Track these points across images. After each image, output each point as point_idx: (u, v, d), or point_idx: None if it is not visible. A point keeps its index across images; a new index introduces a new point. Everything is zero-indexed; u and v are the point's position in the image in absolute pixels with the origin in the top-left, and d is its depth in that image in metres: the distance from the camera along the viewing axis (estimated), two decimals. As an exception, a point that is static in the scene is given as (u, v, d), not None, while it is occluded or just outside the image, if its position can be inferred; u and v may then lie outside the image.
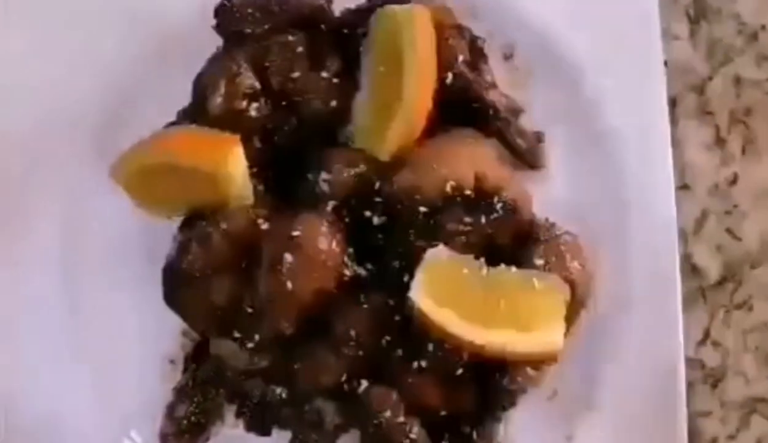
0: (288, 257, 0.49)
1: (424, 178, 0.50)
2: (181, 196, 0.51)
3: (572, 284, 0.51)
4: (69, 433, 0.55)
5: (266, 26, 0.53)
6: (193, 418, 0.52)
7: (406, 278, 0.50)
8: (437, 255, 0.50)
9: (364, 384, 0.50)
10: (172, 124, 0.54)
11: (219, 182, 0.50)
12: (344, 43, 0.55)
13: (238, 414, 0.53)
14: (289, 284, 0.49)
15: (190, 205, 0.51)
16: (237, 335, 0.50)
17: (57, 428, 0.55)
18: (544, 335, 0.50)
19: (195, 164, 0.50)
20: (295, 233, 0.49)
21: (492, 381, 0.50)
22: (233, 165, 0.50)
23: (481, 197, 0.51)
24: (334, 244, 0.50)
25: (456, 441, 0.51)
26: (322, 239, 0.49)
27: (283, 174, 0.54)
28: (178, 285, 0.51)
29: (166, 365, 0.56)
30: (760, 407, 0.57)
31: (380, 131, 0.52)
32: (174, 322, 0.53)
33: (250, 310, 0.49)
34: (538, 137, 0.57)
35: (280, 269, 0.49)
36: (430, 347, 0.49)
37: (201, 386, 0.52)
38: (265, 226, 0.51)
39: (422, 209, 0.50)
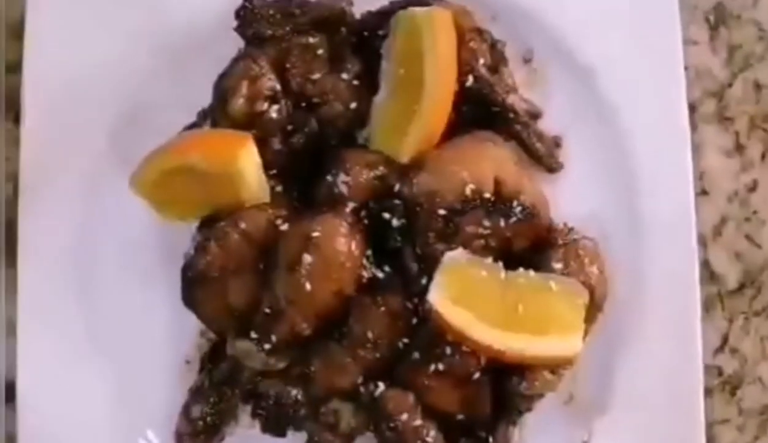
0: (307, 257, 0.49)
1: (444, 181, 0.50)
2: (199, 198, 0.52)
3: (590, 289, 0.51)
4: (85, 433, 0.55)
5: (287, 28, 0.54)
6: (208, 419, 0.52)
7: (424, 281, 0.50)
8: (456, 258, 0.50)
9: (381, 386, 0.50)
10: (192, 125, 0.54)
11: (233, 180, 0.50)
12: (364, 45, 0.55)
13: (254, 415, 0.53)
14: (308, 285, 0.49)
15: (209, 207, 0.52)
16: (254, 335, 0.50)
17: (73, 427, 0.55)
18: (562, 339, 0.50)
19: (209, 165, 0.50)
20: (315, 234, 0.49)
21: (509, 384, 0.50)
22: (245, 162, 0.50)
23: (501, 201, 0.51)
24: (353, 245, 0.50)
25: (472, 445, 0.51)
26: (342, 240, 0.49)
27: (303, 176, 0.54)
28: (196, 286, 0.51)
29: (182, 365, 0.56)
30: (778, 414, 0.57)
31: (400, 134, 0.52)
32: (191, 322, 0.54)
33: (267, 311, 0.49)
34: (556, 141, 0.57)
35: (299, 270, 0.49)
36: (448, 350, 0.49)
37: (217, 386, 0.52)
38: (284, 227, 0.51)
39: (441, 211, 0.50)
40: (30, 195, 0.57)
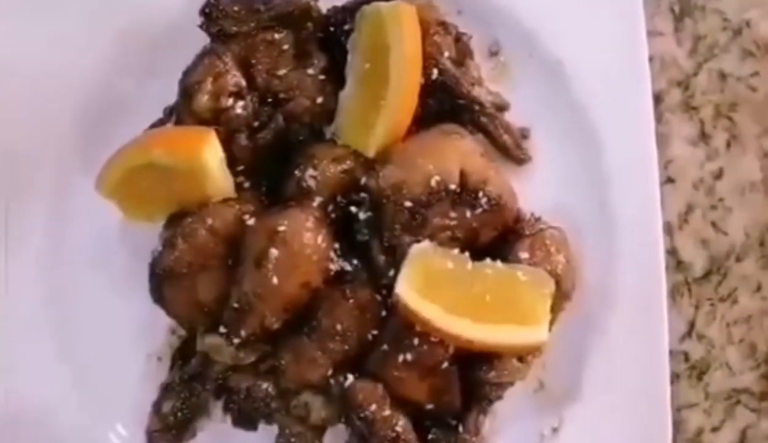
0: (273, 251, 0.49)
1: (410, 173, 0.51)
2: (165, 195, 0.52)
3: (557, 278, 0.52)
4: (55, 428, 0.55)
5: (252, 24, 0.54)
6: (179, 414, 0.52)
7: (392, 273, 0.50)
8: (422, 250, 0.50)
9: (350, 378, 0.51)
10: (158, 122, 0.54)
11: (197, 175, 0.50)
12: (330, 40, 0.55)
13: (226, 409, 0.53)
14: (275, 279, 0.49)
15: (174, 204, 0.52)
16: (223, 330, 0.50)
17: (43, 423, 0.55)
18: (530, 327, 0.50)
19: (173, 160, 0.50)
20: (281, 228, 0.49)
21: (477, 373, 0.51)
22: (208, 157, 0.50)
23: (466, 192, 0.51)
24: (320, 239, 0.50)
25: (442, 434, 0.52)
26: (308, 233, 0.50)
27: (270, 171, 0.54)
28: (165, 282, 0.51)
29: (154, 362, 0.56)
30: (744, 398, 0.58)
31: (366, 128, 0.53)
32: (162, 319, 0.54)
33: (236, 305, 0.50)
34: (523, 133, 0.58)
35: (266, 264, 0.49)
36: (416, 341, 0.50)
37: (187, 382, 0.53)
38: (251, 222, 0.51)
39: (407, 204, 0.50)
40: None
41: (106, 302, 0.56)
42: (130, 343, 0.56)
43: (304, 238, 0.50)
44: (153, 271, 0.51)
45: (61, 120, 0.57)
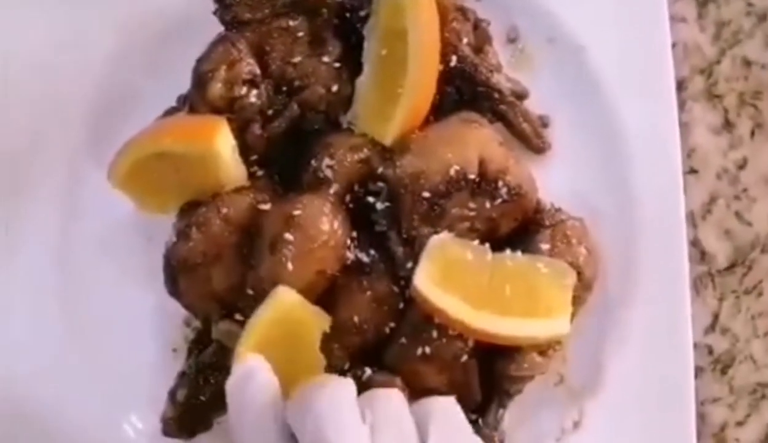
0: (288, 236, 0.48)
1: (428, 162, 0.50)
2: (177, 185, 0.51)
3: (578, 269, 0.51)
4: (70, 419, 0.55)
5: (266, 11, 0.53)
6: (194, 402, 0.52)
7: (410, 265, 0.49)
8: (441, 241, 0.49)
9: (368, 371, 0.50)
10: (172, 110, 0.54)
11: (208, 163, 0.50)
12: (346, 26, 0.54)
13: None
14: (290, 265, 0.48)
15: (187, 193, 0.51)
16: (239, 318, 0.49)
17: (58, 414, 0.55)
18: (551, 320, 0.49)
19: (184, 149, 0.50)
20: (296, 213, 0.49)
21: (497, 367, 0.50)
22: (220, 144, 0.49)
23: (486, 182, 0.50)
24: (336, 225, 0.49)
25: (461, 429, 0.51)
26: (324, 219, 0.49)
27: (285, 160, 0.53)
28: (179, 273, 0.50)
29: (169, 354, 0.55)
30: (770, 393, 0.57)
31: (384, 116, 0.52)
32: (177, 311, 0.53)
33: (251, 292, 0.49)
34: (543, 121, 0.57)
35: (281, 250, 0.48)
36: (434, 333, 0.49)
37: (203, 371, 0.52)
38: (266, 208, 0.50)
39: (426, 194, 0.49)
40: (9, 189, 0.56)
41: (121, 295, 0.56)
42: (145, 335, 0.55)
43: (320, 223, 0.49)
44: (167, 262, 0.51)
45: (72, 113, 0.57)
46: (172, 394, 0.53)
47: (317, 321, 0.50)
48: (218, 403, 0.53)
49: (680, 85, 0.59)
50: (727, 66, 0.60)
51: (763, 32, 0.60)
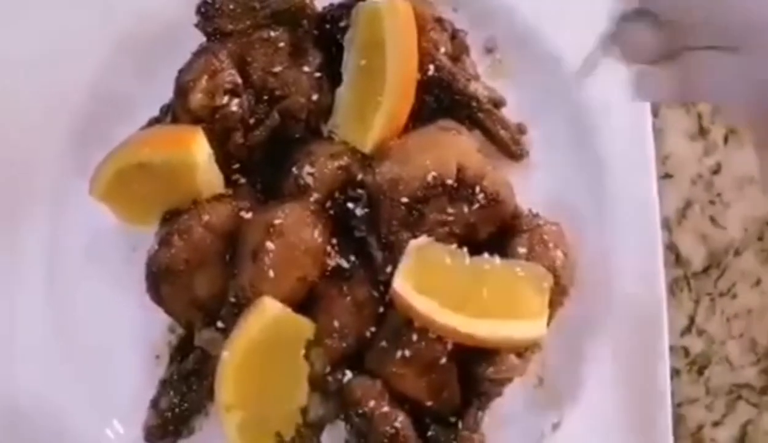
0: (270, 244, 0.49)
1: (407, 169, 0.51)
2: (156, 195, 0.52)
3: (555, 273, 0.51)
4: (53, 424, 0.55)
5: (248, 22, 0.54)
6: (177, 410, 0.52)
7: (389, 269, 0.50)
8: (420, 245, 0.50)
9: (349, 374, 0.50)
10: (155, 120, 0.54)
11: (186, 171, 0.51)
12: (326, 37, 0.55)
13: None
14: (271, 273, 0.49)
15: (167, 203, 0.52)
16: (221, 325, 0.50)
17: (41, 419, 0.55)
18: (528, 322, 0.50)
19: (162, 158, 0.50)
20: (277, 221, 0.49)
21: (476, 370, 0.50)
22: (196, 152, 0.50)
23: (464, 188, 0.51)
24: (316, 233, 0.50)
25: (441, 431, 0.51)
26: (305, 227, 0.50)
27: (266, 169, 0.54)
28: (162, 280, 0.51)
29: (152, 361, 0.56)
30: (746, 393, 0.57)
31: (363, 124, 0.53)
32: (160, 318, 0.54)
33: (233, 300, 0.50)
34: (520, 128, 0.58)
35: (263, 258, 0.49)
36: (414, 337, 0.50)
37: (185, 378, 0.52)
38: (247, 216, 0.51)
39: (404, 199, 0.50)
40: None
41: (106, 302, 0.56)
42: (128, 342, 0.56)
43: (301, 231, 0.50)
44: (150, 270, 0.51)
45: (59, 123, 0.57)
46: (155, 402, 0.53)
47: (301, 330, 0.50)
48: (201, 409, 0.54)
49: (654, 93, 0.60)
50: (701, 74, 0.61)
51: (736, 40, 0.61)
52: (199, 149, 0.51)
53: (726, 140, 0.60)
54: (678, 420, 0.56)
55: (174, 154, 0.51)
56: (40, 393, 0.55)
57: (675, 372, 0.56)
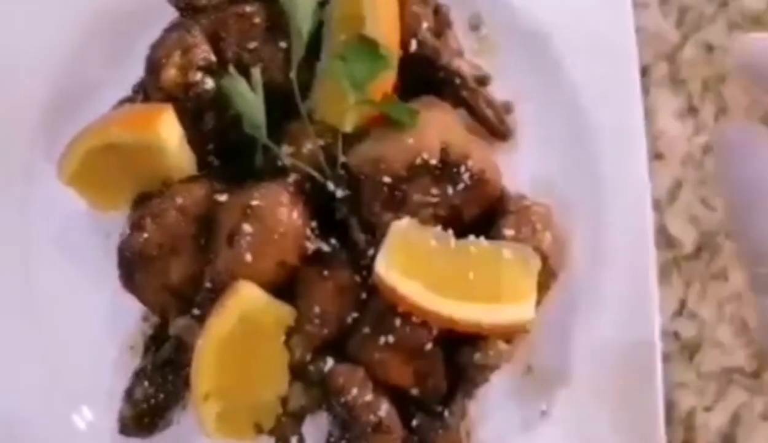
0: (247, 227, 0.47)
1: (388, 148, 0.49)
2: (126, 177, 0.50)
3: (543, 255, 0.50)
4: (23, 412, 0.53)
5: (222, -3, 0.52)
6: (152, 401, 0.50)
7: (372, 252, 0.49)
8: (403, 227, 0.49)
9: (330, 362, 0.49)
10: (127, 99, 0.52)
11: (155, 151, 0.49)
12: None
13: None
14: (248, 257, 0.47)
15: (137, 185, 0.50)
16: (196, 312, 0.48)
17: (11, 407, 0.53)
18: (515, 306, 0.48)
19: (130, 138, 0.49)
20: (254, 203, 0.47)
21: (462, 356, 0.49)
22: (166, 131, 0.49)
23: (448, 167, 0.50)
24: (295, 214, 0.48)
25: (427, 420, 0.50)
26: (283, 209, 0.48)
27: (241, 149, 0.52)
28: (135, 267, 0.49)
29: (125, 351, 0.54)
30: (737, 377, 0.56)
31: (343, 102, 0.51)
32: (133, 306, 0.52)
33: (209, 286, 0.48)
34: (507, 107, 0.56)
35: (239, 241, 0.47)
36: (398, 322, 0.48)
37: (160, 368, 0.50)
38: (223, 198, 0.49)
39: (387, 180, 0.49)
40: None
41: (78, 291, 0.54)
42: (101, 332, 0.54)
43: (279, 213, 0.47)
44: (122, 255, 0.49)
45: (29, 106, 0.55)
46: (129, 393, 0.51)
47: (280, 316, 0.49)
48: (178, 400, 0.52)
49: (644, 71, 0.58)
50: (690, 51, 0.60)
51: (726, 17, 0.60)
52: (169, 127, 0.49)
53: (716, 118, 0.59)
54: (669, 405, 0.55)
55: (143, 133, 0.48)
56: (10, 383, 0.53)
57: (665, 357, 0.55)
